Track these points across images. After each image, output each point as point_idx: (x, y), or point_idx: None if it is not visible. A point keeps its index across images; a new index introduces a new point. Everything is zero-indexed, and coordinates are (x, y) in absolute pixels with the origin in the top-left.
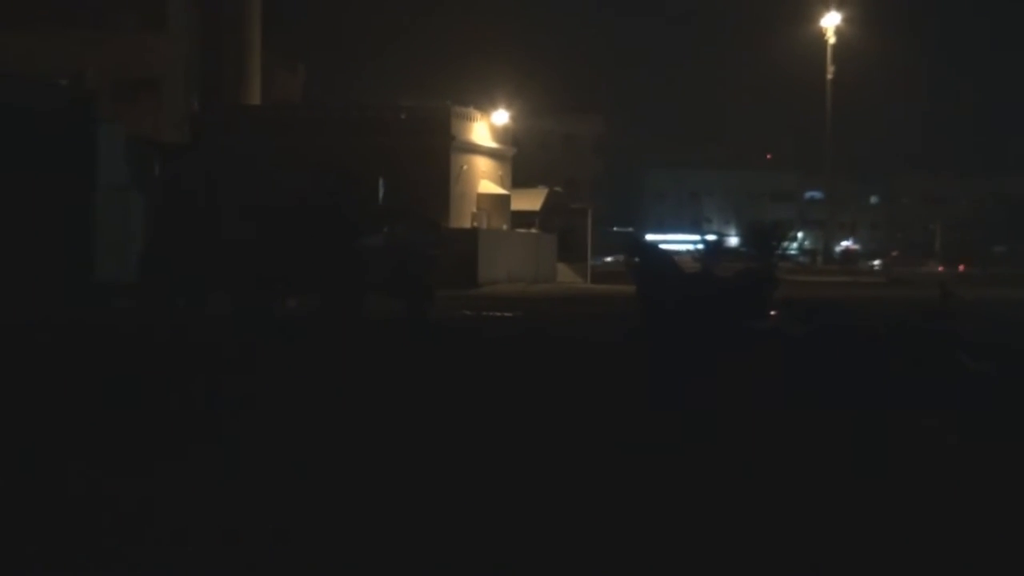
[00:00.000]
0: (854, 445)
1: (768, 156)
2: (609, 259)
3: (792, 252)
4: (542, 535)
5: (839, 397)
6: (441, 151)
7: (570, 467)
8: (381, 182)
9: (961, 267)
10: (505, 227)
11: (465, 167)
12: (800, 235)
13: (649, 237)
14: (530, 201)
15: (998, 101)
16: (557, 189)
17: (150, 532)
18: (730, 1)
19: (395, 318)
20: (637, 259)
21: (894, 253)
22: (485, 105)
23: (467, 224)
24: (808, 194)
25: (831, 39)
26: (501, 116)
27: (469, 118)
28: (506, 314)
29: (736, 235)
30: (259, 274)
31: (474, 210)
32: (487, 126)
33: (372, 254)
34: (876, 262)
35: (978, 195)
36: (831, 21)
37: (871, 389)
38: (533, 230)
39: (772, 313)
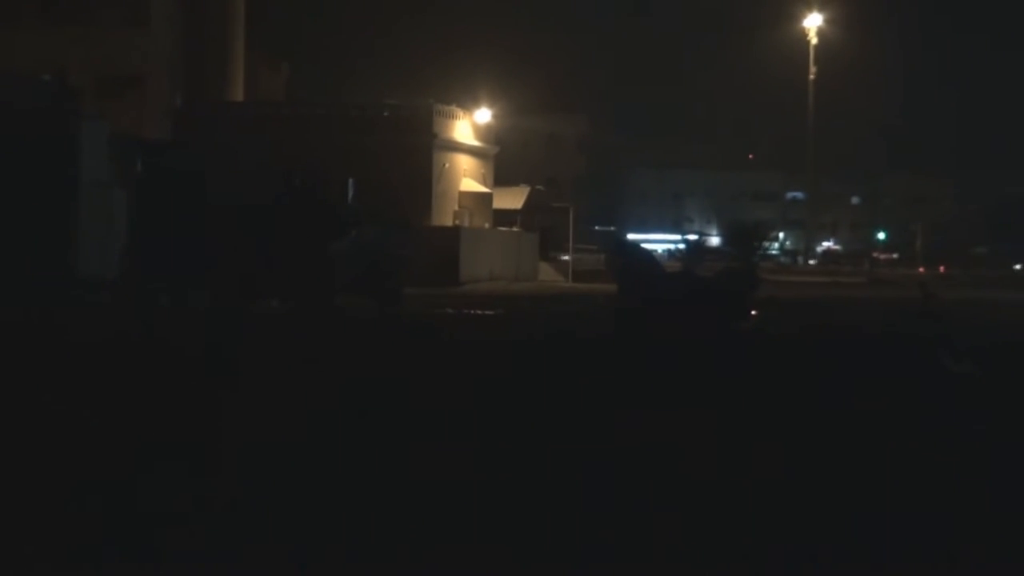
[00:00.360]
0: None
1: (750, 156)
2: (589, 258)
3: (773, 252)
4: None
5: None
6: (423, 149)
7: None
8: (351, 182)
9: (942, 268)
10: (487, 225)
11: (447, 165)
12: (781, 235)
13: (631, 236)
14: (512, 200)
15: (980, 101)
16: (539, 188)
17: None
18: (713, 3)
19: (366, 316)
20: (619, 258)
21: (876, 254)
22: (468, 104)
23: (449, 222)
24: (790, 194)
25: (813, 40)
26: (484, 115)
27: (451, 116)
28: (487, 312)
29: (718, 235)
30: (227, 273)
31: (456, 208)
32: (470, 124)
33: (342, 253)
34: (895, 255)
35: (960, 196)
36: (813, 22)
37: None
38: (515, 228)
39: (753, 312)
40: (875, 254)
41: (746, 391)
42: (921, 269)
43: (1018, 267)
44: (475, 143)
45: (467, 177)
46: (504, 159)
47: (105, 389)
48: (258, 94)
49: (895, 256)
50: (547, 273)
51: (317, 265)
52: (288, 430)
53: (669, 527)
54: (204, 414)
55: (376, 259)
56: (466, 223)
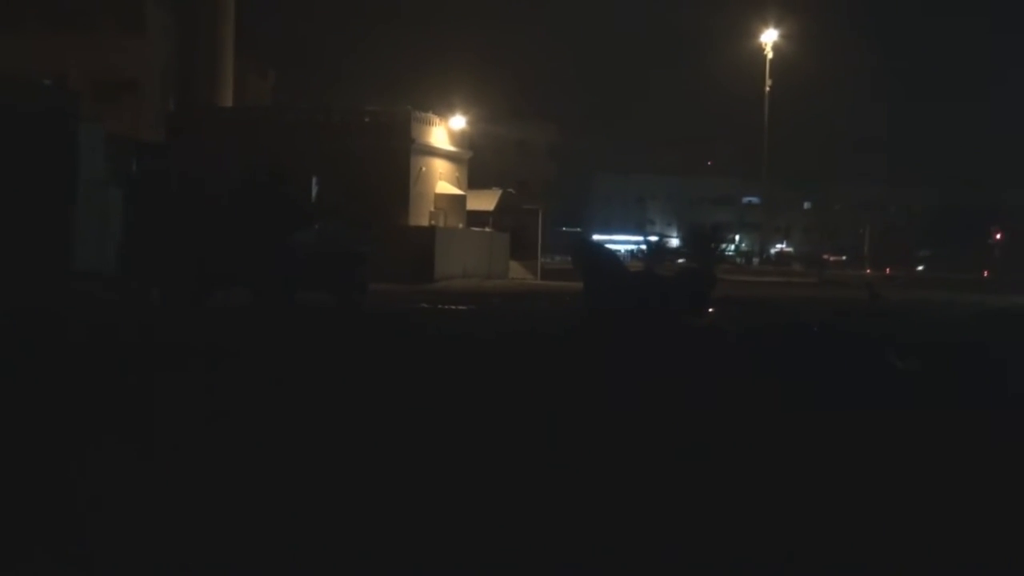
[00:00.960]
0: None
1: (709, 163)
2: (557, 258)
3: (730, 254)
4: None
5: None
6: (401, 153)
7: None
8: (314, 180)
9: (887, 270)
10: (461, 226)
11: (424, 168)
12: (738, 238)
13: (596, 237)
14: (485, 202)
15: (925, 114)
16: (510, 191)
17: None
18: (677, 19)
19: (326, 308)
20: (585, 258)
21: (826, 256)
22: (444, 110)
23: (425, 222)
24: (746, 199)
25: (769, 54)
26: (458, 121)
27: (428, 122)
28: (460, 307)
29: (677, 237)
30: (193, 266)
31: (432, 209)
32: (445, 130)
33: (303, 249)
34: (844, 257)
35: (905, 203)
36: (769, 37)
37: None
38: (487, 229)
39: (710, 310)
40: (825, 256)
41: (701, 384)
42: (868, 271)
43: (920, 268)
44: (450, 148)
45: (442, 180)
46: (477, 163)
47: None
48: (246, 99)
49: (844, 258)
50: (517, 271)
51: (278, 255)
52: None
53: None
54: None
55: (336, 253)
56: (441, 223)
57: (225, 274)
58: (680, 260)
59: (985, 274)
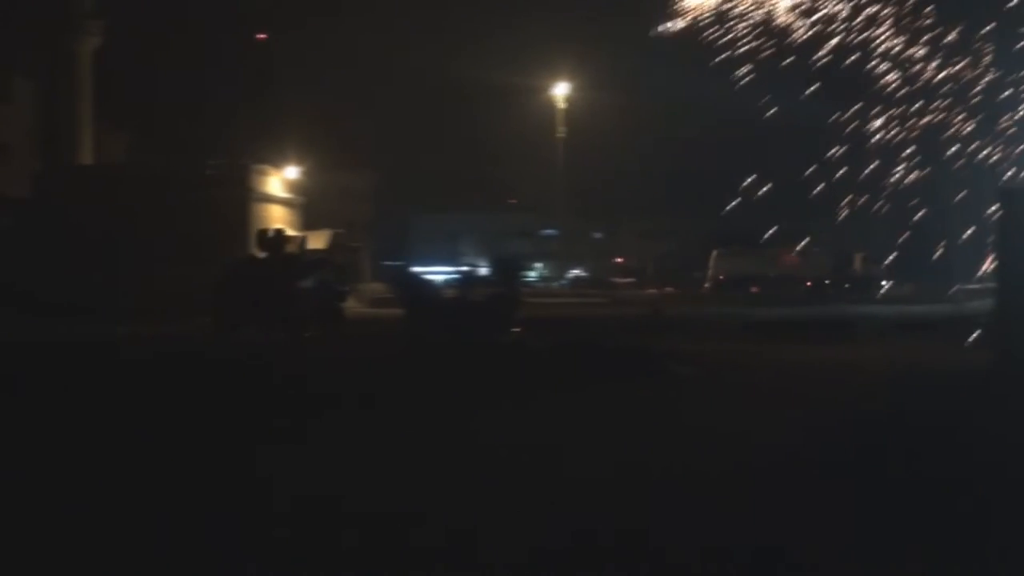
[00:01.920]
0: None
1: (512, 201)
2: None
3: (532, 279)
4: None
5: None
6: (242, 201)
7: None
8: (303, 238)
9: (668, 289)
10: None
11: (262, 214)
12: (538, 265)
13: (415, 269)
14: (318, 242)
15: (685, 160)
16: (339, 231)
17: None
18: (484, 76)
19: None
20: (405, 288)
21: (617, 279)
22: (279, 162)
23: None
24: (545, 231)
25: (561, 105)
26: (292, 171)
27: (265, 173)
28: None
29: (486, 267)
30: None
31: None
32: (280, 180)
33: (306, 292)
34: (631, 279)
35: (683, 231)
36: (561, 90)
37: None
38: None
39: (516, 329)
40: (614, 279)
41: (509, 389)
42: (651, 290)
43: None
44: (285, 195)
45: (279, 223)
46: (310, 208)
47: None
48: (104, 158)
49: (631, 280)
50: (348, 300)
51: (290, 298)
52: None
53: None
54: None
55: (326, 295)
56: None
57: (248, 313)
58: (489, 287)
59: (754, 290)
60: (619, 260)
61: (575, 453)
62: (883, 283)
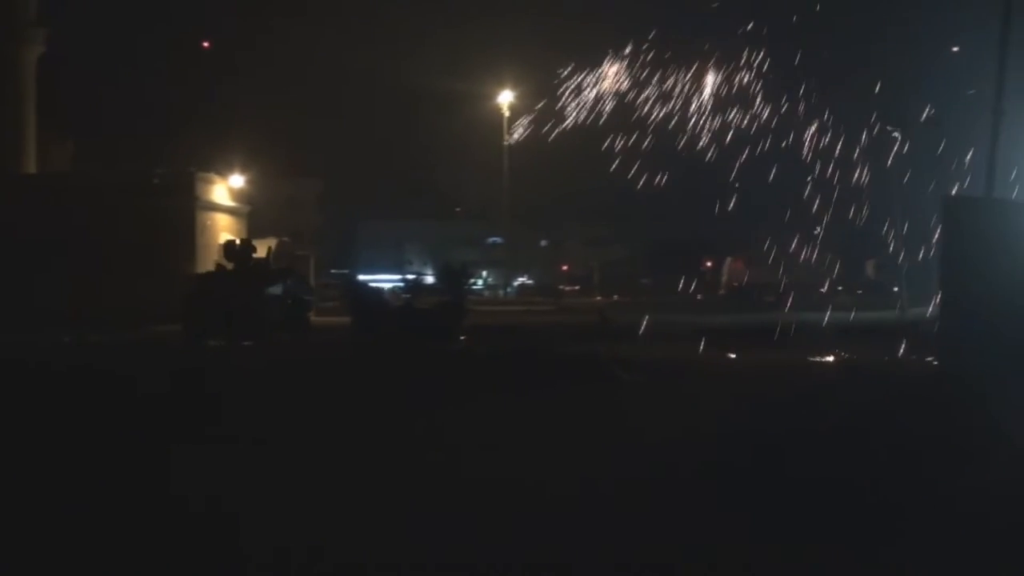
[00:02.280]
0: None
1: (458, 209)
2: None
3: (478, 287)
4: None
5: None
6: (187, 210)
7: None
8: (271, 247)
9: (615, 296)
10: None
11: (208, 223)
12: (485, 273)
13: (362, 277)
14: (264, 250)
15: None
16: (285, 239)
17: None
18: (430, 84)
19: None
20: (352, 295)
21: (562, 287)
22: (224, 171)
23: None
24: (491, 239)
25: (506, 113)
26: (237, 180)
27: (211, 182)
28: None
29: (433, 274)
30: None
31: (216, 259)
32: (226, 188)
33: (275, 300)
34: (577, 287)
35: (628, 239)
36: (505, 99)
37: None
38: None
39: (462, 337)
40: (561, 286)
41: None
42: (598, 298)
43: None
44: (231, 203)
45: (225, 232)
46: (256, 216)
47: None
48: (49, 166)
49: (578, 288)
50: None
51: (259, 306)
52: None
53: None
54: None
55: (292, 301)
56: None
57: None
58: (435, 294)
59: (698, 298)
60: (565, 268)
61: (500, 456)
62: (895, 289)
